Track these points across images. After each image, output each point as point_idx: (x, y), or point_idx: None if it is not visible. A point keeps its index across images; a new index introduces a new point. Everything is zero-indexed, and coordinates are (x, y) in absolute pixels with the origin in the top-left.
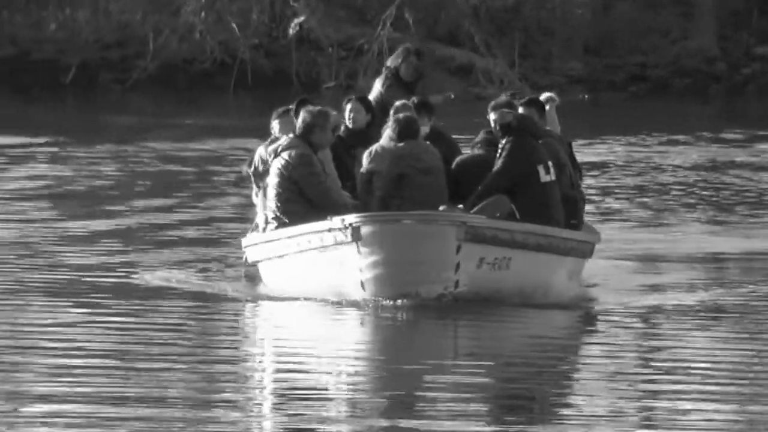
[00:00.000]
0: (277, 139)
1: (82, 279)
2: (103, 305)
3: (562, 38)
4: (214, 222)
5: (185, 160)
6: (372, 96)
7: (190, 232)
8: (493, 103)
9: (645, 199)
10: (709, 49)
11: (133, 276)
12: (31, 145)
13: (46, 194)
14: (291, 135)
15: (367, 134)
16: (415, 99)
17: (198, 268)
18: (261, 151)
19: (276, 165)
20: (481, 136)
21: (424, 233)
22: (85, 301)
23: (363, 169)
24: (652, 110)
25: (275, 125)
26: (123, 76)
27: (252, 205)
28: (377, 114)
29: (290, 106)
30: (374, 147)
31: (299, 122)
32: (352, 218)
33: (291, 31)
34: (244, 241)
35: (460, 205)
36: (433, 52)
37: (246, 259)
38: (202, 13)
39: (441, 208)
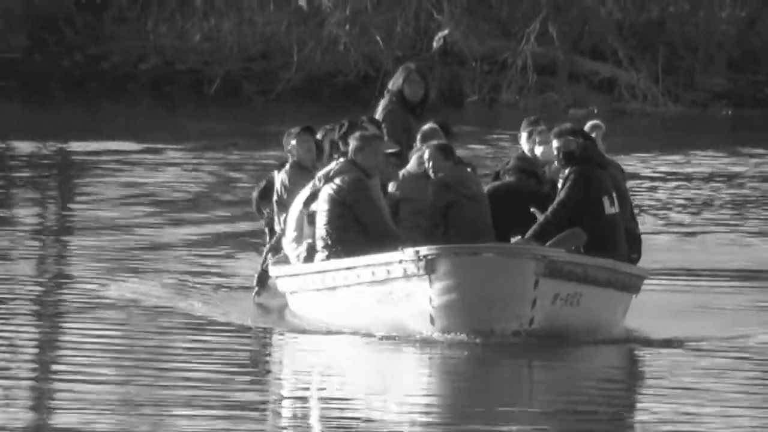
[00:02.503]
0: (299, 164)
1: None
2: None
3: (706, 53)
4: None
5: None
6: None
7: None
8: (556, 129)
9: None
10: None
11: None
12: (162, 150)
13: (144, 202)
14: (342, 159)
15: None
16: (432, 120)
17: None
18: (283, 177)
19: (327, 191)
20: (512, 162)
21: (504, 267)
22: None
23: (388, 196)
24: None
25: (293, 148)
26: (266, 87)
27: (262, 233)
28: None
29: (307, 125)
30: (401, 173)
31: (351, 146)
32: (426, 250)
33: (435, 44)
34: (275, 271)
35: (518, 237)
36: (579, 65)
37: (257, 288)
38: (347, 26)
39: (513, 240)
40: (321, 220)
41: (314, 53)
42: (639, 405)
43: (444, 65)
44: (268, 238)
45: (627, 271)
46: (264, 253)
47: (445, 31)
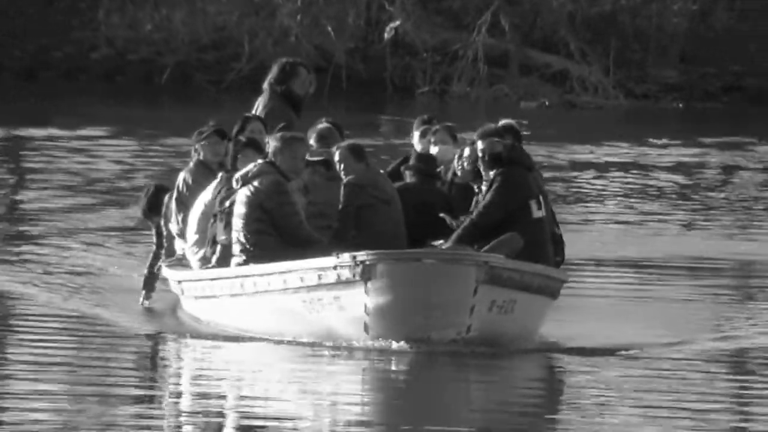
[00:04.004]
0: (204, 163)
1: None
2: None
3: (657, 46)
4: None
5: None
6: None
7: None
8: (480, 130)
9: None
10: None
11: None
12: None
13: (83, 191)
14: (261, 161)
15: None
16: (325, 120)
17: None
18: (186, 175)
19: (244, 193)
20: (411, 162)
21: (446, 273)
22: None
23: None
24: (745, 120)
25: (201, 147)
26: (218, 77)
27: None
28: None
29: (219, 128)
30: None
31: (271, 147)
32: (364, 255)
33: (386, 36)
34: (176, 275)
35: (441, 241)
36: (530, 57)
37: (144, 292)
38: (298, 17)
39: (436, 244)
40: (238, 223)
41: (265, 44)
42: (576, 418)
43: (395, 56)
44: (155, 239)
45: (555, 276)
46: (151, 256)
47: (397, 23)
